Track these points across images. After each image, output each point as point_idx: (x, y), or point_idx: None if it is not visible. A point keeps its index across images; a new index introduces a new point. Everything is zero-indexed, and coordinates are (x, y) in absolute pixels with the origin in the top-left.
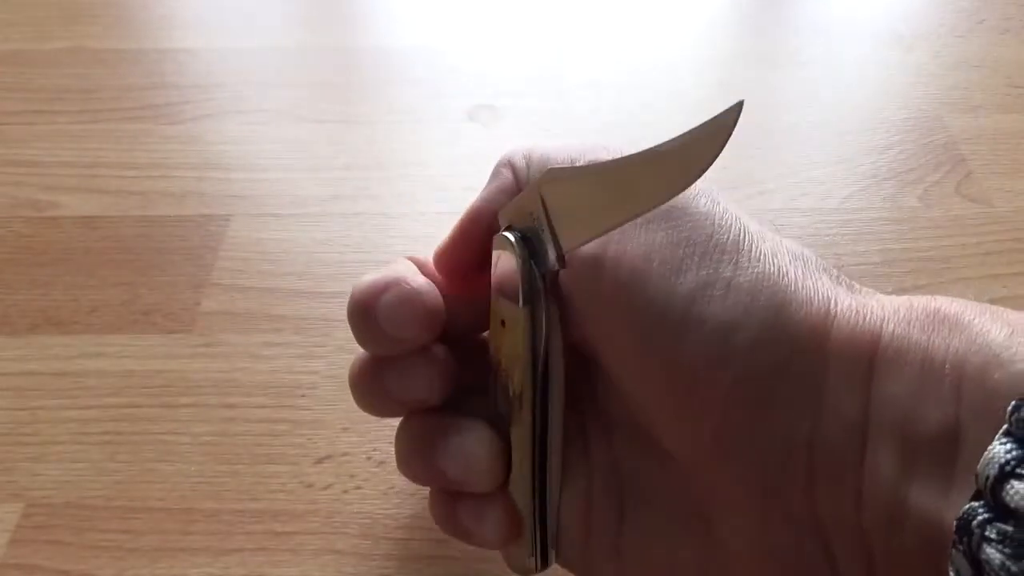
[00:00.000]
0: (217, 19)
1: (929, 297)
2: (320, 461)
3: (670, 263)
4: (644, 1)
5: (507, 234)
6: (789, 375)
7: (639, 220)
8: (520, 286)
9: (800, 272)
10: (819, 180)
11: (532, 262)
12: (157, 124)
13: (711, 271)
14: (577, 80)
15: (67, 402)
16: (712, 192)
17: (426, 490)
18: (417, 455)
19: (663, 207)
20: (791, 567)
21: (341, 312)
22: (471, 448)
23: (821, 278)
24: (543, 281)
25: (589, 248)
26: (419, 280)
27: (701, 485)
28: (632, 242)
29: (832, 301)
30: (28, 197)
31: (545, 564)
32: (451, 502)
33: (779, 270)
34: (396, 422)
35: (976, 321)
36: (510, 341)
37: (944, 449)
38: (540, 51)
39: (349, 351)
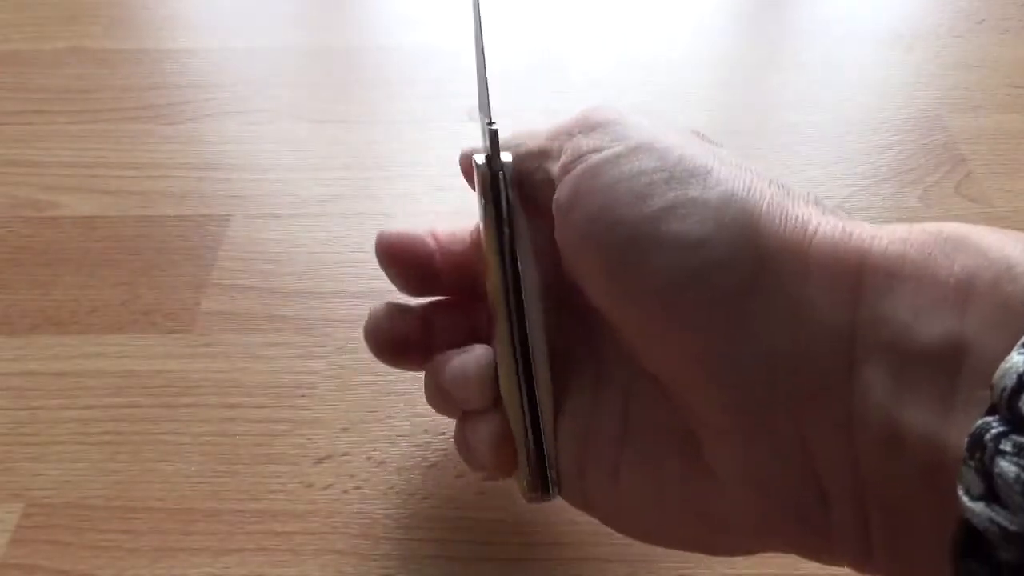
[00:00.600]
0: (217, 19)
1: (933, 223)
2: (320, 461)
3: (637, 190)
4: (644, 1)
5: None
6: (765, 291)
7: (609, 156)
8: (479, 183)
9: (776, 193)
10: (819, 180)
11: (492, 161)
12: (157, 124)
13: (678, 192)
14: (577, 80)
15: (67, 402)
16: (687, 130)
17: (425, 490)
18: (430, 381)
19: (633, 142)
20: (779, 500)
21: (341, 312)
22: (464, 365)
23: (800, 202)
24: (504, 182)
25: (562, 190)
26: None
27: (690, 411)
28: (601, 177)
29: (812, 220)
30: (28, 197)
31: (545, 490)
32: (460, 424)
33: (750, 189)
34: (395, 422)
35: (987, 239)
36: (483, 254)
37: (944, 366)
38: (540, 50)
39: (349, 351)
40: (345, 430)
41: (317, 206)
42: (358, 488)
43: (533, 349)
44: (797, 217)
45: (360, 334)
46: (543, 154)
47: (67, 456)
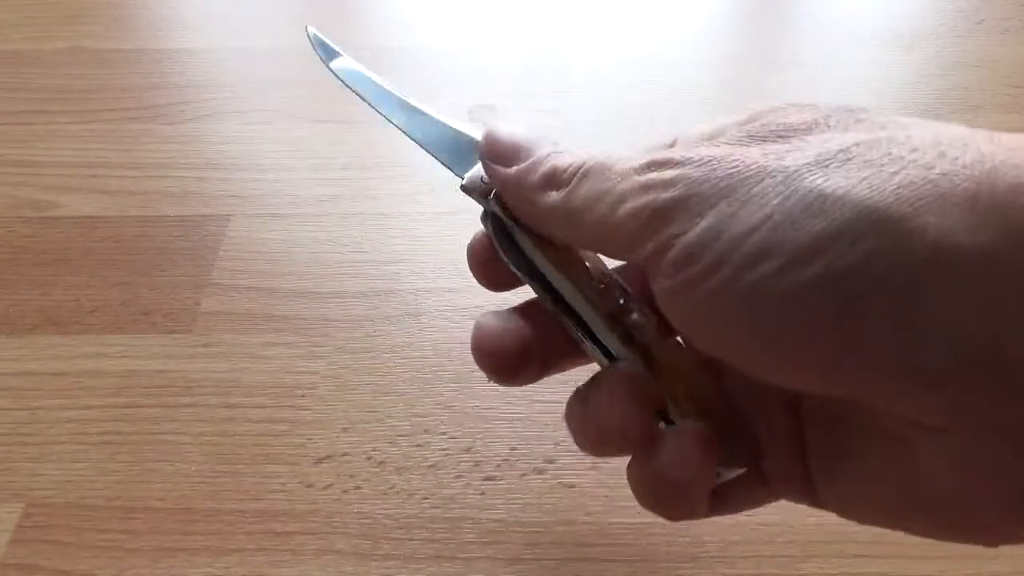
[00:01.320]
0: (217, 19)
1: None
2: (320, 461)
3: (751, 252)
4: (644, 0)
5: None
6: (939, 285)
7: (693, 247)
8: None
9: (913, 174)
10: None
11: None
12: (157, 124)
13: (793, 233)
14: (577, 80)
15: (67, 402)
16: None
17: (425, 490)
18: (587, 426)
19: (705, 210)
20: (993, 477)
21: (341, 312)
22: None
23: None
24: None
25: (672, 306)
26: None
27: (888, 419)
28: (708, 276)
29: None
30: (28, 197)
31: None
32: (644, 453)
33: (872, 185)
34: (395, 422)
35: None
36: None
37: None
38: (540, 50)
39: (349, 351)
40: (345, 430)
41: (317, 206)
42: (358, 488)
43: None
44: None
45: (359, 334)
46: (548, 183)
47: (67, 456)
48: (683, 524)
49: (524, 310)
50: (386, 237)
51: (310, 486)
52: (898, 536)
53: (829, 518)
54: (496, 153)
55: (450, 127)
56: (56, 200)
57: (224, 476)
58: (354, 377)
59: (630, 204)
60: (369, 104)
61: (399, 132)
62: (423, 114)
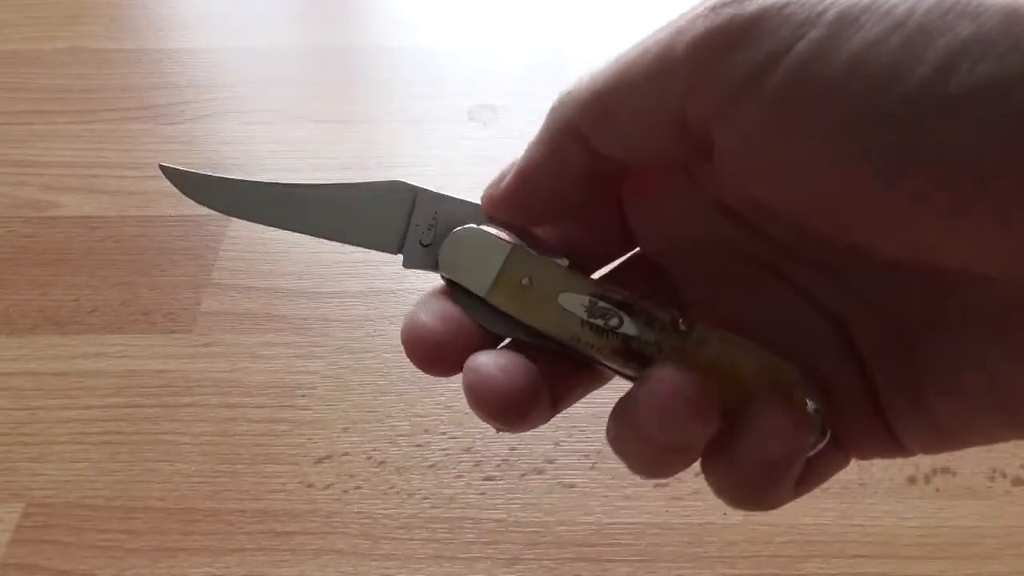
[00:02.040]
0: (217, 19)
1: None
2: (320, 461)
3: (886, 61)
4: (644, 1)
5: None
6: None
7: (815, 44)
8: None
9: None
10: None
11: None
12: (157, 124)
13: (946, 38)
14: (575, 79)
15: (67, 402)
16: None
17: (425, 490)
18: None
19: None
20: None
21: (341, 312)
22: (677, 396)
23: None
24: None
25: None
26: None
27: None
28: (826, 68)
29: None
30: (28, 197)
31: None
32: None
33: None
34: (395, 422)
35: None
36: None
37: None
38: (540, 51)
39: (349, 351)
40: (345, 430)
41: None
42: (358, 488)
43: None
44: None
45: (359, 333)
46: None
47: (67, 456)
48: (683, 524)
49: (517, 341)
50: None
51: (310, 486)
52: (897, 536)
53: (829, 518)
54: (495, 191)
55: (366, 186)
56: (56, 200)
57: (224, 476)
58: (354, 377)
59: (693, 32)
60: (261, 220)
61: (399, 132)
62: (331, 187)
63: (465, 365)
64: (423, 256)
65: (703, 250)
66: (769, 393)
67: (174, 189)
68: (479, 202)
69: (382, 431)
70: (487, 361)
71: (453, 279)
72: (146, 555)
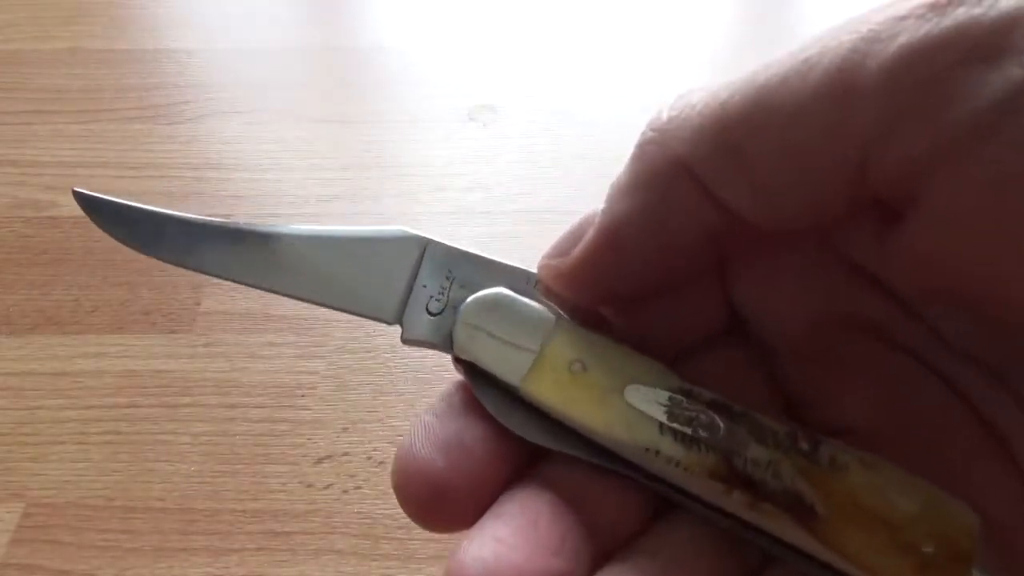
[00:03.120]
0: (217, 19)
1: None
2: (320, 461)
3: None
4: (646, 2)
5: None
6: None
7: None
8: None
9: None
10: None
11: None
12: (157, 124)
13: None
14: (577, 80)
15: (67, 402)
16: None
17: None
18: None
19: None
20: None
21: (340, 312)
22: None
23: None
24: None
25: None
26: None
27: None
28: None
29: None
30: (28, 197)
31: None
32: None
33: None
34: (395, 422)
35: None
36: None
37: None
38: (540, 51)
39: (349, 351)
40: (345, 430)
41: (317, 206)
42: (358, 488)
43: None
44: None
45: (359, 334)
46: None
47: (67, 456)
48: None
49: (561, 457)
50: None
51: (310, 486)
52: None
53: None
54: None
55: (359, 234)
56: (56, 200)
57: (224, 476)
58: (354, 377)
59: (902, 40)
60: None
61: (399, 132)
62: (313, 235)
63: (395, 455)
64: (431, 329)
65: (828, 333)
66: (938, 557)
67: (174, 189)
68: (516, 265)
69: (382, 431)
70: (429, 452)
71: (473, 362)
72: (146, 555)
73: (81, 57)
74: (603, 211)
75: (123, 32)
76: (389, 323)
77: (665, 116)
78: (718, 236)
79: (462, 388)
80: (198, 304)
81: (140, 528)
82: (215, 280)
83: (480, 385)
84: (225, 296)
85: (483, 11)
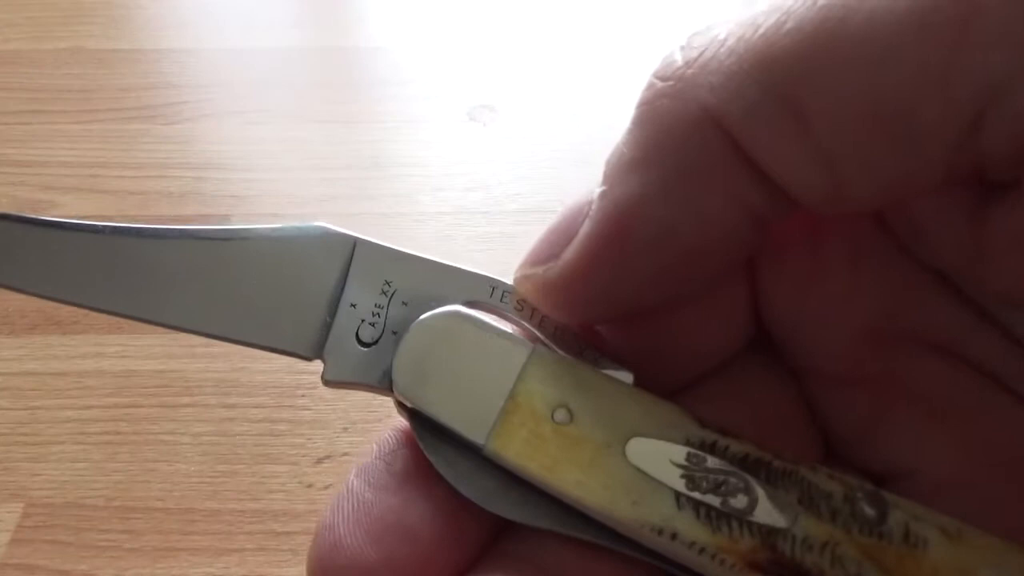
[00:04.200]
0: (216, 19)
1: None
2: (320, 461)
3: None
4: (646, 2)
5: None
6: None
7: None
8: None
9: None
10: None
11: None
12: (156, 124)
13: None
14: (577, 79)
15: (67, 402)
16: None
17: None
18: None
19: None
20: None
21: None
22: None
23: None
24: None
25: None
26: None
27: None
28: None
29: None
30: (28, 197)
31: None
32: None
33: None
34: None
35: None
36: None
37: None
38: (540, 51)
39: None
40: (345, 430)
41: (317, 206)
42: None
43: None
44: None
45: None
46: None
47: (67, 456)
48: None
49: (537, 536)
50: (386, 237)
51: (310, 486)
52: None
53: None
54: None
55: (258, 234)
56: (56, 200)
57: (224, 476)
58: None
59: None
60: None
61: (399, 132)
62: (193, 237)
63: (316, 538)
64: (363, 364)
65: (883, 350)
66: None
67: (173, 189)
68: (475, 270)
69: (382, 431)
70: (356, 542)
71: (420, 409)
72: (146, 555)
73: (81, 57)
74: (602, 196)
75: (123, 32)
76: (307, 359)
77: (681, 59)
78: (759, 222)
79: (406, 442)
80: None
81: (140, 528)
82: None
83: (431, 440)
84: None
85: (483, 11)
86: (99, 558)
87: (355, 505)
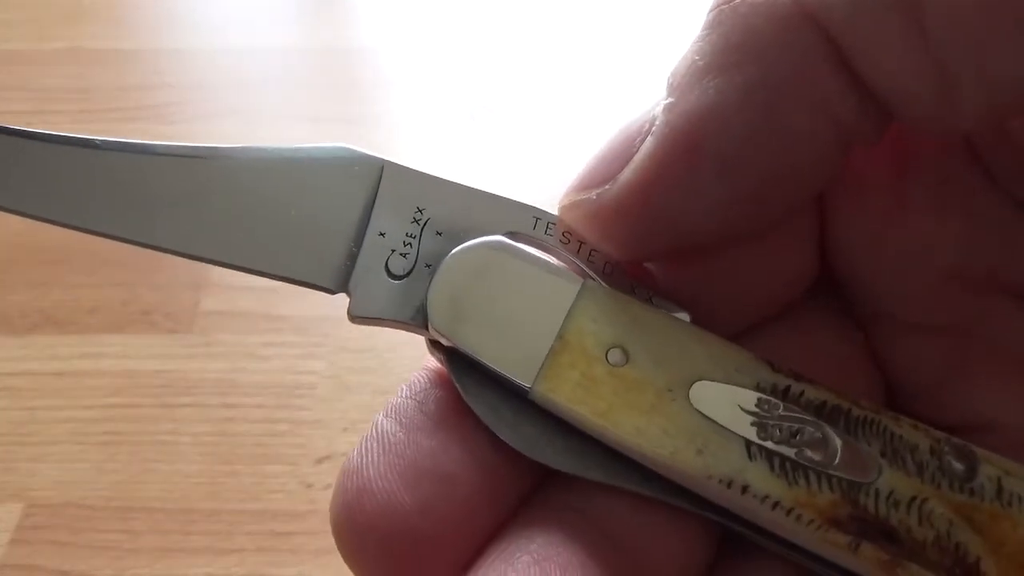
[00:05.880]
0: (217, 19)
1: None
2: (320, 461)
3: None
4: (646, 2)
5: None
6: None
7: None
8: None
9: None
10: None
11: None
12: (156, 124)
13: None
14: (578, 79)
15: (67, 402)
16: None
17: None
18: None
19: None
20: None
21: (341, 312)
22: None
23: None
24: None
25: None
26: None
27: None
28: None
29: None
30: None
31: None
32: None
33: None
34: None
35: None
36: None
37: None
38: (540, 51)
39: (349, 351)
40: (345, 430)
41: None
42: None
43: None
44: None
45: (359, 334)
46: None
47: (66, 456)
48: None
49: (588, 486)
50: None
51: (310, 486)
52: None
53: None
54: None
55: (279, 154)
56: None
57: (223, 476)
58: (354, 377)
59: None
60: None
61: (399, 132)
62: (201, 154)
63: (344, 481)
64: (394, 298)
65: (960, 296)
66: None
67: None
68: (518, 200)
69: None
70: (389, 485)
71: (459, 347)
72: (146, 555)
73: (80, 57)
74: (668, 109)
75: (122, 32)
76: (330, 291)
77: None
78: (845, 143)
79: (441, 384)
80: (198, 304)
81: (140, 528)
82: (215, 280)
83: (469, 382)
84: (225, 296)
85: (483, 11)
86: (99, 558)
87: (386, 446)
